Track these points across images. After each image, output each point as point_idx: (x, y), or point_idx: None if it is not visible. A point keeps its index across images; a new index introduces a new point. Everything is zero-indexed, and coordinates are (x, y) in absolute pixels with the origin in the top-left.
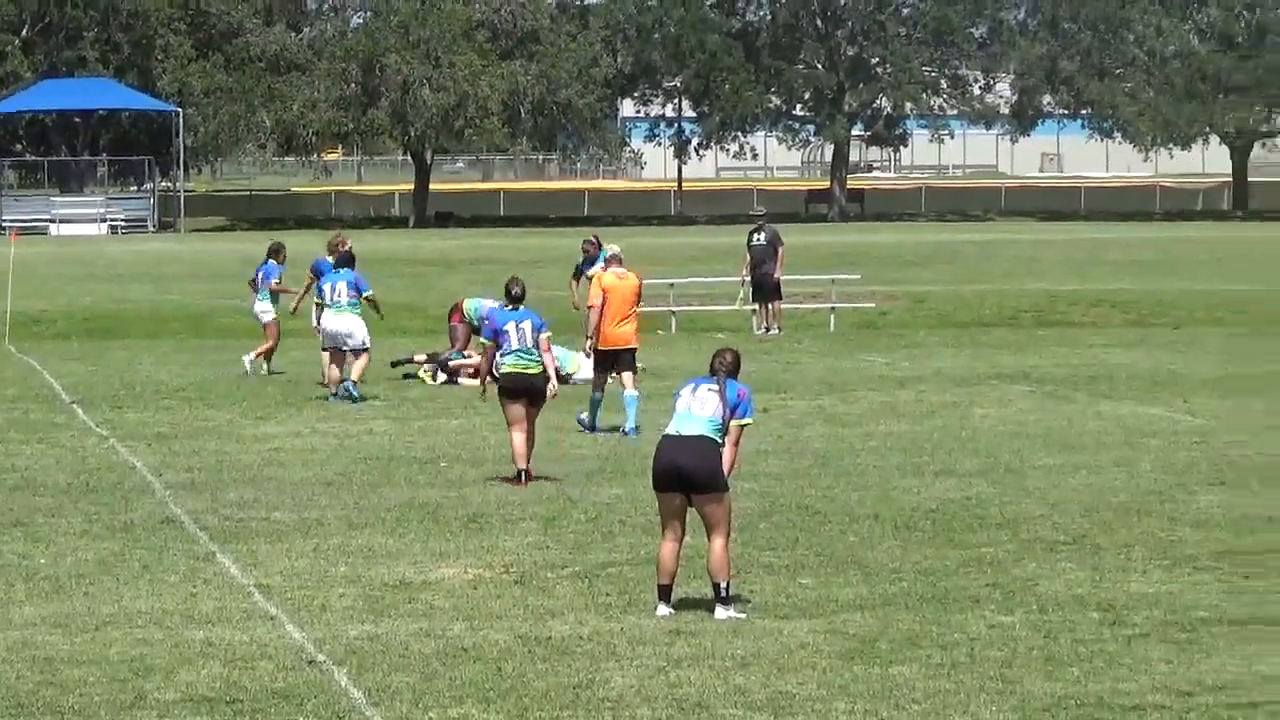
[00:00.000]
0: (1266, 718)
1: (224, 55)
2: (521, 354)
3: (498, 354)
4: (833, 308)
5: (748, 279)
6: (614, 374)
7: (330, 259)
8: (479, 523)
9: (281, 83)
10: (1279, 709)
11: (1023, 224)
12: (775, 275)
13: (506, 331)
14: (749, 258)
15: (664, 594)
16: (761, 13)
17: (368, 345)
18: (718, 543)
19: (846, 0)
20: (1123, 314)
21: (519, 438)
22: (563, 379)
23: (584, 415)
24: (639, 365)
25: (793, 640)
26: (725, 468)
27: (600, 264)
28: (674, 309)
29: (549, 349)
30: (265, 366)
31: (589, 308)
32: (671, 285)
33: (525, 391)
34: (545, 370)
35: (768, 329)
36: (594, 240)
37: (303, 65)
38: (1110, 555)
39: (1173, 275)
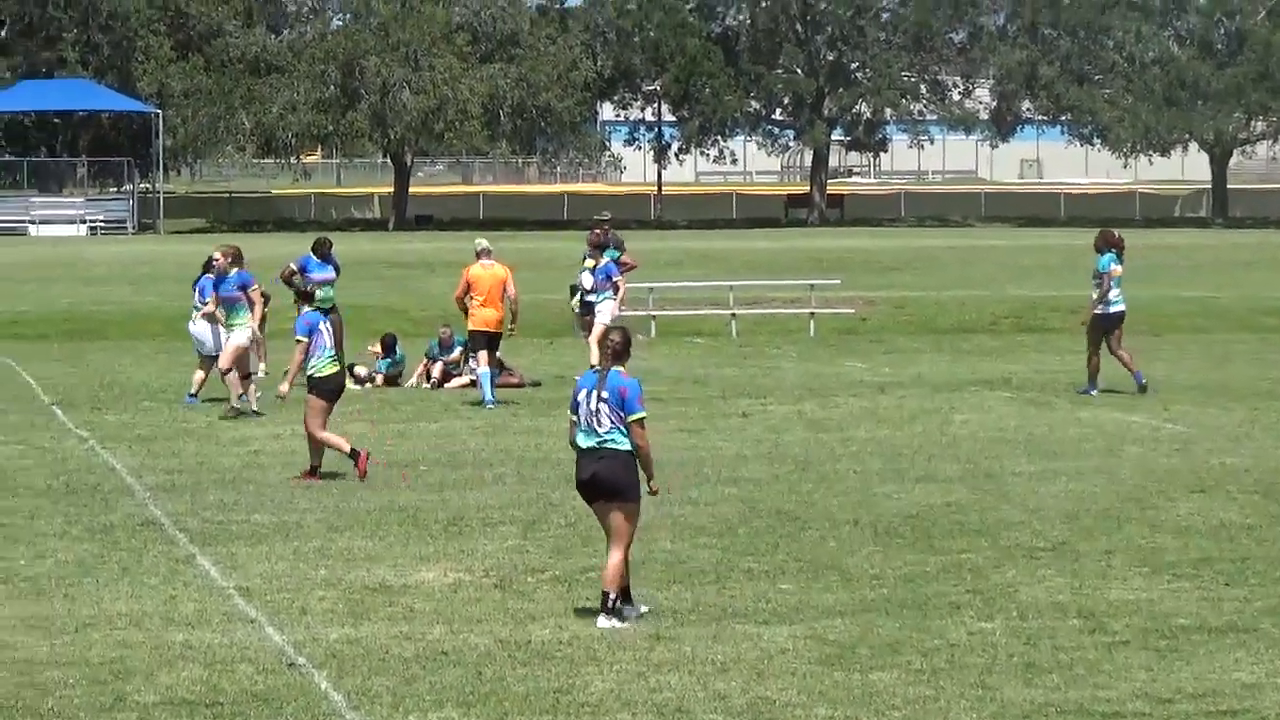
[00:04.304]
0: None
1: (204, 57)
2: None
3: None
4: (812, 313)
5: None
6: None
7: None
8: (459, 526)
9: (261, 84)
10: (1257, 717)
11: (1002, 230)
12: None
13: (321, 332)
14: None
15: (623, 598)
16: (741, 17)
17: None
18: (615, 555)
19: (826, 5)
20: None
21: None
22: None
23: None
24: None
25: (772, 646)
26: (644, 465)
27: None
28: (653, 313)
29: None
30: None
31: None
32: (651, 289)
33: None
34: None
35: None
36: (605, 226)
37: (282, 67)
38: (1090, 562)
39: (1152, 282)
